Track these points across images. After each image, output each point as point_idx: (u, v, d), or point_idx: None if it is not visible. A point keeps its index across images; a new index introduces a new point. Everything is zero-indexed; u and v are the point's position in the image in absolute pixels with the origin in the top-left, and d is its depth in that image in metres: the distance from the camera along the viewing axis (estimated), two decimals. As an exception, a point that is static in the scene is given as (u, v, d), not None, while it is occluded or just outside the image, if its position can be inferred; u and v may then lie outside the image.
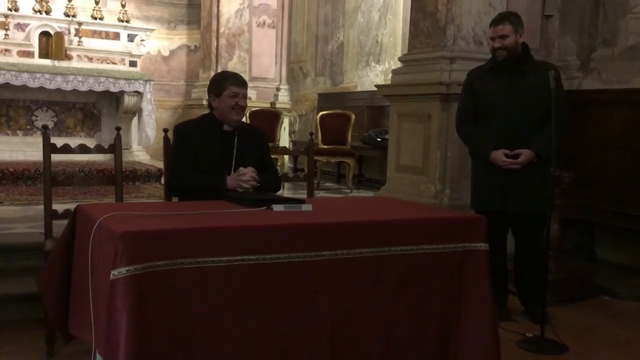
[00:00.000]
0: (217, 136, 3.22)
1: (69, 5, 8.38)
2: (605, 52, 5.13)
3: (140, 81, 7.99)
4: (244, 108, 3.22)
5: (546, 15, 5.33)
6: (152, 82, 8.24)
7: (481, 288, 2.55)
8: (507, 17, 3.78)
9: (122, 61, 8.66)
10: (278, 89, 9.42)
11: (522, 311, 3.89)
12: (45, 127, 3.38)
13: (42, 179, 3.32)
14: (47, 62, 7.94)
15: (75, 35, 8.39)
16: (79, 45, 8.37)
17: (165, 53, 10.04)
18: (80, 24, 8.42)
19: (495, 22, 3.78)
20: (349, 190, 7.41)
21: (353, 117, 7.76)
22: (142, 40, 9.07)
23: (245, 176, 3.06)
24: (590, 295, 4.35)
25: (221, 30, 8.98)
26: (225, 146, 3.22)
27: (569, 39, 5.36)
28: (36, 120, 7.87)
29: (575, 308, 4.11)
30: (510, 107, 3.68)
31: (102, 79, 7.72)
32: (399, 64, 5.69)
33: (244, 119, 3.40)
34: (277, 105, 9.12)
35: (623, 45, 5.00)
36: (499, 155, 3.66)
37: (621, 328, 3.78)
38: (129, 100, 7.99)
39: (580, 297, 4.27)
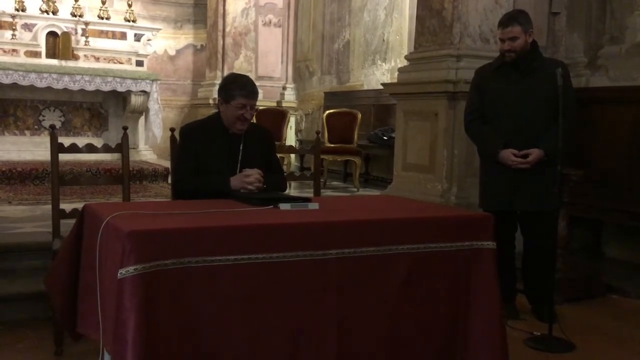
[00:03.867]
0: (222, 138, 3.18)
1: (75, 6, 8.40)
2: (613, 49, 5.11)
3: (147, 81, 8.01)
4: (249, 119, 3.18)
5: (553, 13, 5.30)
6: (158, 82, 8.27)
7: (489, 286, 2.54)
8: (515, 18, 3.70)
9: (129, 61, 8.69)
10: (284, 88, 9.43)
11: (530, 310, 3.88)
12: (52, 126, 3.39)
13: (50, 178, 3.34)
14: (54, 62, 7.97)
15: (82, 35, 8.42)
16: (85, 45, 8.40)
17: (172, 52, 10.06)
18: (87, 23, 8.45)
19: (503, 24, 3.71)
20: (355, 189, 7.41)
21: (359, 115, 7.75)
22: (148, 40, 9.10)
23: (250, 178, 3.02)
24: (598, 293, 4.33)
25: (227, 30, 8.99)
26: (231, 148, 3.19)
27: (576, 36, 5.34)
28: (43, 120, 7.90)
29: (583, 306, 4.10)
30: (519, 106, 3.66)
31: (109, 79, 7.75)
32: (405, 62, 5.68)
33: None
34: (284, 104, 9.12)
35: (631, 42, 4.98)
36: (508, 155, 3.64)
37: (629, 326, 3.77)
38: (135, 100, 8.02)
39: (588, 296, 4.26)
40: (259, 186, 3.03)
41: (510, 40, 3.66)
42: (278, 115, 8.31)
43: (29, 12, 8.16)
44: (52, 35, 8.20)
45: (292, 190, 6.30)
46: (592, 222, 4.98)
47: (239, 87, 3.13)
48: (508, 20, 3.71)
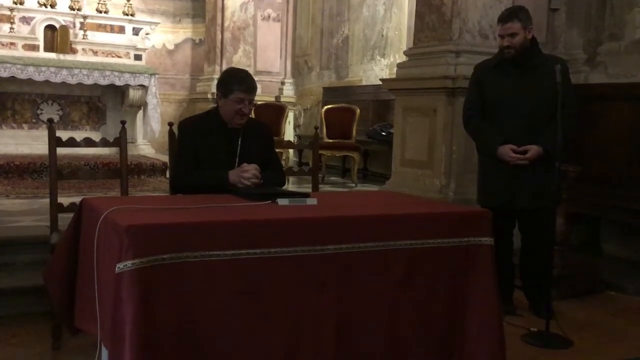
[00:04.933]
0: (221, 133, 3.18)
1: (74, -1, 8.40)
2: (612, 46, 5.10)
3: (145, 75, 8.00)
4: (248, 114, 3.17)
5: (552, 9, 5.29)
6: (157, 76, 8.25)
7: (487, 282, 2.55)
8: (515, 14, 3.69)
9: (127, 55, 8.68)
10: (283, 83, 9.41)
11: (528, 306, 3.88)
12: (50, 120, 3.38)
13: (48, 172, 3.32)
14: (52, 55, 7.96)
15: (80, 28, 8.40)
16: (84, 38, 8.38)
17: (170, 47, 10.04)
18: (85, 17, 8.44)
19: (503, 20, 3.70)
20: (353, 185, 7.41)
21: (358, 111, 7.74)
22: (147, 34, 9.08)
23: (247, 173, 3.02)
24: (596, 290, 4.34)
25: (226, 24, 8.98)
26: (229, 143, 3.19)
27: (576, 33, 5.33)
28: (42, 113, 7.88)
29: (580, 303, 4.10)
30: (518, 102, 3.65)
31: (107, 73, 7.73)
32: (404, 58, 5.67)
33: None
34: (282, 99, 9.11)
35: (630, 39, 4.97)
36: (506, 151, 3.63)
37: (627, 323, 3.77)
38: (134, 94, 8.01)
39: (586, 292, 4.26)
40: (256, 182, 3.03)
41: (509, 36, 3.65)
42: (276, 110, 8.30)
43: (27, 5, 8.14)
44: (50, 28, 8.18)
45: (290, 185, 6.29)
46: (590, 219, 4.99)
47: (237, 81, 3.12)
48: (508, 16, 3.70)
